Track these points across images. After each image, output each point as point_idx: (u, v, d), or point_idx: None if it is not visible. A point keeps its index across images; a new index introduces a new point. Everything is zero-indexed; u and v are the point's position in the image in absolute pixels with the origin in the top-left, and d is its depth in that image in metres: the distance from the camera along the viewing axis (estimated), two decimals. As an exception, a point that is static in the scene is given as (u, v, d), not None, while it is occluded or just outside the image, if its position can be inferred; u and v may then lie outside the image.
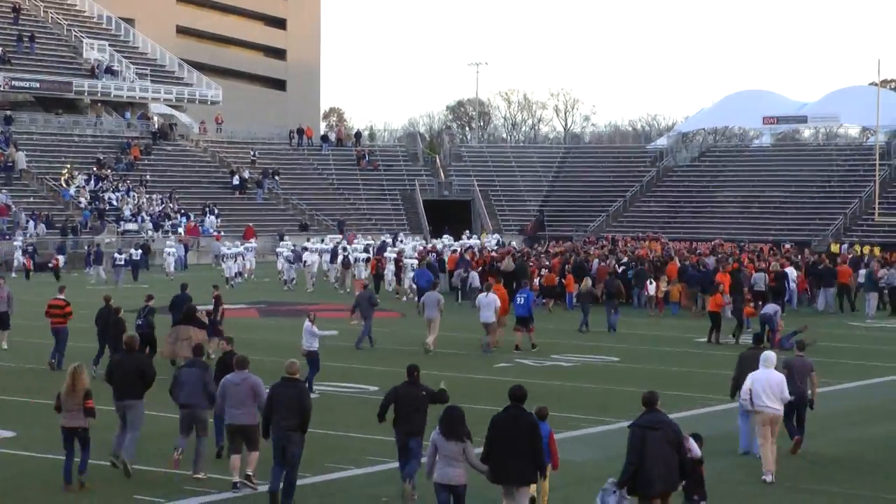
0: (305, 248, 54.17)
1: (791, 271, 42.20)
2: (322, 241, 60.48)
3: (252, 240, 64.14)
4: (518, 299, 30.94)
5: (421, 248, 56.60)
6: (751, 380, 17.12)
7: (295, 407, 14.73)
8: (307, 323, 23.94)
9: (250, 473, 15.59)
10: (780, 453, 17.76)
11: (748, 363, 18.02)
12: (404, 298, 45.10)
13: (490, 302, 29.88)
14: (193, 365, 17.17)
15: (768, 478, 16.70)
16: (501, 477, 13.16)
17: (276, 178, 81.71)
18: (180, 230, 70.20)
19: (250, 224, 71.68)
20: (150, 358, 20.31)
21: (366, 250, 54.81)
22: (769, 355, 17.40)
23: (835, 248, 63.93)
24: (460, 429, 13.17)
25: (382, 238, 64.83)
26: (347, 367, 24.83)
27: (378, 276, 48.72)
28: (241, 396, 15.46)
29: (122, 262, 54.47)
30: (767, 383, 16.87)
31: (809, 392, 18.34)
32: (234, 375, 15.73)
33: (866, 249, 61.27)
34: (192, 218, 72.75)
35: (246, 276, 56.28)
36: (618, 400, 22.81)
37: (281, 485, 14.84)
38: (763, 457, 16.84)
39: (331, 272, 53.60)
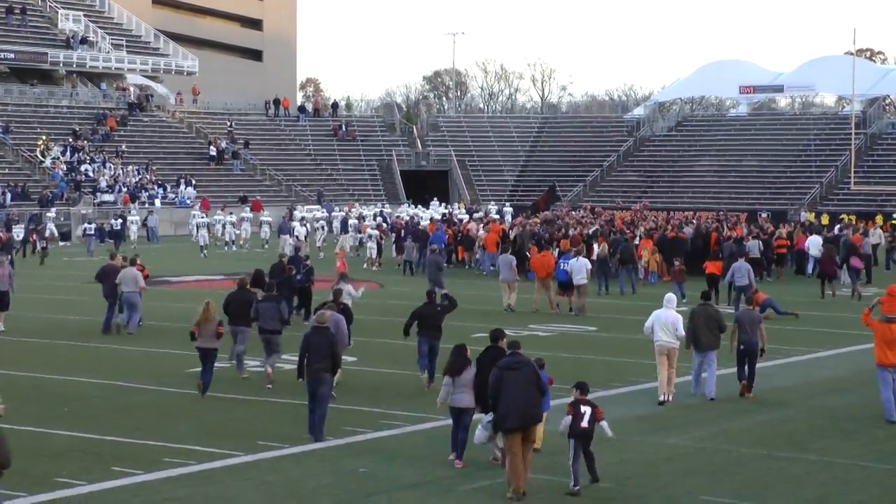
0: (303, 219, 55.19)
1: (816, 239, 42.36)
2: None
3: (247, 210, 64.32)
4: (561, 265, 32.37)
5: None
6: (652, 318, 19.94)
7: (326, 352, 16.90)
8: (343, 284, 25.27)
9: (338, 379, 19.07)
10: (743, 406, 17.90)
11: (698, 317, 20.16)
12: (371, 267, 45.49)
13: (582, 266, 31.54)
14: (270, 299, 21.86)
15: (661, 398, 19.61)
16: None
17: (247, 148, 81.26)
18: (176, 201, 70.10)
19: (254, 197, 72.30)
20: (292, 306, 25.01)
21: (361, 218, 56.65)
22: (669, 297, 20.30)
23: (810, 216, 64.24)
24: (466, 365, 15.48)
25: (380, 206, 66.62)
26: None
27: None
28: None
29: (92, 232, 55.03)
30: (665, 320, 19.72)
31: (760, 342, 20.31)
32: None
33: (843, 217, 61.55)
34: (168, 189, 72.60)
35: (244, 245, 58.04)
36: (593, 369, 22.91)
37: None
38: (659, 381, 19.75)
39: (345, 241, 53.54)
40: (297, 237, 50.50)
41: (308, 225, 55.55)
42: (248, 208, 65.00)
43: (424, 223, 52.50)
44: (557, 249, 38.37)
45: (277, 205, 70.82)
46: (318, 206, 69.75)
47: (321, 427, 16.82)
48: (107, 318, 27.79)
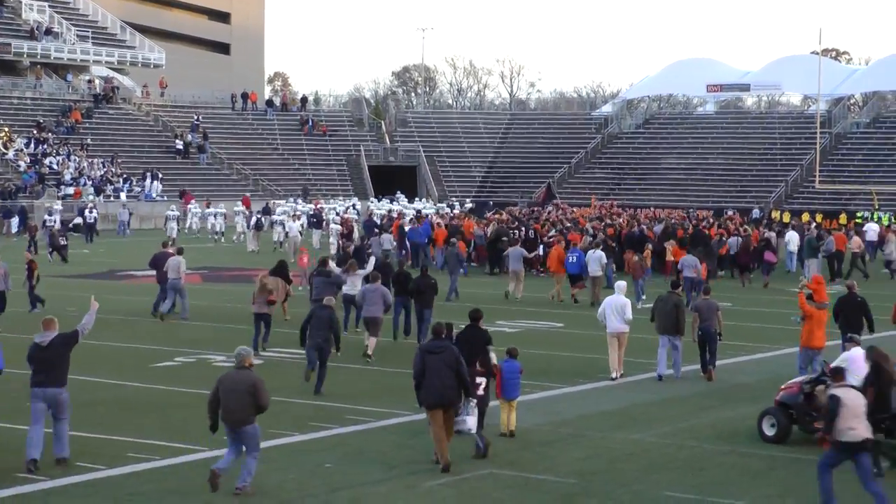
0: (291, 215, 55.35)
1: (794, 235, 42.87)
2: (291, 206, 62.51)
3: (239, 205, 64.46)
4: (570, 258, 33.75)
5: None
6: (604, 304, 21.61)
7: (326, 325, 20.07)
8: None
9: (370, 353, 22.97)
10: (706, 386, 17.95)
11: (663, 304, 21.77)
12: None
13: (597, 258, 32.91)
14: (321, 274, 25.46)
15: (614, 374, 21.29)
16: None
17: (206, 140, 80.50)
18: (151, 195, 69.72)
19: (218, 190, 71.71)
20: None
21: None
22: (619, 284, 22.34)
23: (775, 214, 64.66)
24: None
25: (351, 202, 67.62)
26: (291, 332, 24.67)
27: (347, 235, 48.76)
28: (375, 298, 23.53)
29: (53, 224, 54.95)
30: (615, 306, 21.32)
31: (718, 327, 21.79)
32: (371, 285, 23.95)
33: (801, 218, 61.94)
34: (134, 182, 72.15)
35: (232, 238, 58.69)
36: (560, 365, 22.97)
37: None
38: (610, 361, 21.40)
39: (314, 237, 53.27)
40: (323, 232, 51.08)
41: (299, 221, 54.98)
42: (239, 203, 65.18)
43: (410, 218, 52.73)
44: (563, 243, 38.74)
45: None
46: (282, 201, 69.47)
47: (320, 385, 19.74)
48: (157, 301, 29.25)
